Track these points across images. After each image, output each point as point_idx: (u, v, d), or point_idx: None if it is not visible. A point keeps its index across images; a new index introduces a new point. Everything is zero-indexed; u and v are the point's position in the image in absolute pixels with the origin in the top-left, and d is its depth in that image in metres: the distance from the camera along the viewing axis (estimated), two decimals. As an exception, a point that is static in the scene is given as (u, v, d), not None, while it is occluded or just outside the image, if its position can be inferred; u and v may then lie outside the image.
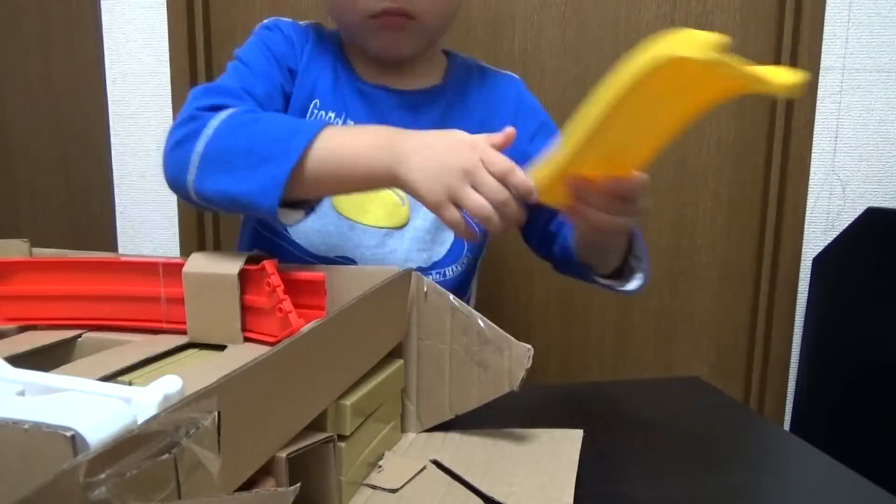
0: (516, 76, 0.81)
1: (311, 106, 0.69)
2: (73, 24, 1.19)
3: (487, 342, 0.50)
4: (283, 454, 0.34)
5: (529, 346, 0.49)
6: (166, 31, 1.17)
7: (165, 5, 1.16)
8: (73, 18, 1.19)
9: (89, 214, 1.24)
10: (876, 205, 1.26)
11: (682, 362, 1.34)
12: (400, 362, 0.52)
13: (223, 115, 0.54)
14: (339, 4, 0.65)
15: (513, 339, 0.50)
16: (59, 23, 1.19)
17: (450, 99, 0.72)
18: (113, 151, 1.21)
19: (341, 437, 0.41)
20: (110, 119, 1.20)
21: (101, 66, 1.18)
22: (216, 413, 0.26)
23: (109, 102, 1.19)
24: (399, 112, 0.70)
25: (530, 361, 0.49)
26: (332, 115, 0.69)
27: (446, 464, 0.47)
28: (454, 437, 0.52)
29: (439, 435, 0.53)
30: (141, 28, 1.17)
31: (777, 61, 1.25)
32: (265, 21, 0.71)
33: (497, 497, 0.42)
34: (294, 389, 0.35)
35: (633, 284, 0.65)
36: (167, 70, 1.18)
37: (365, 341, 0.46)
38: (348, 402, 0.42)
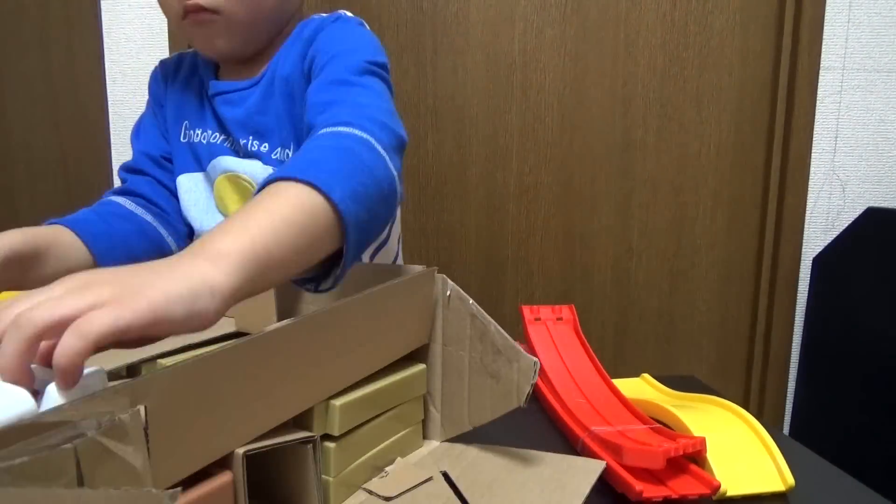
0: (341, 13, 0.72)
1: (183, 127, 0.74)
2: (73, 24, 1.19)
3: (499, 353, 0.49)
4: (242, 450, 0.33)
5: (536, 359, 0.48)
6: (166, 31, 1.17)
7: (165, 5, 1.16)
8: (73, 18, 1.19)
9: (89, 214, 1.24)
10: (876, 205, 1.26)
11: (682, 362, 1.34)
12: (421, 367, 0.51)
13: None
14: (163, 10, 0.66)
15: (521, 350, 0.49)
16: (59, 22, 1.19)
17: (270, 76, 0.70)
18: (113, 151, 1.21)
19: (332, 438, 0.41)
20: (110, 119, 1.20)
21: (101, 65, 1.18)
22: (142, 408, 0.26)
23: (109, 102, 1.20)
24: (230, 109, 0.71)
25: (536, 376, 0.48)
26: (198, 131, 0.73)
27: (454, 477, 0.46)
28: (471, 451, 0.51)
29: (459, 446, 0.52)
30: (141, 28, 1.17)
31: (777, 61, 1.25)
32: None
33: None
34: (262, 384, 0.34)
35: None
36: (167, 70, 1.18)
37: (373, 339, 0.44)
38: (338, 402, 0.41)
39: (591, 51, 1.24)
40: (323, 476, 0.41)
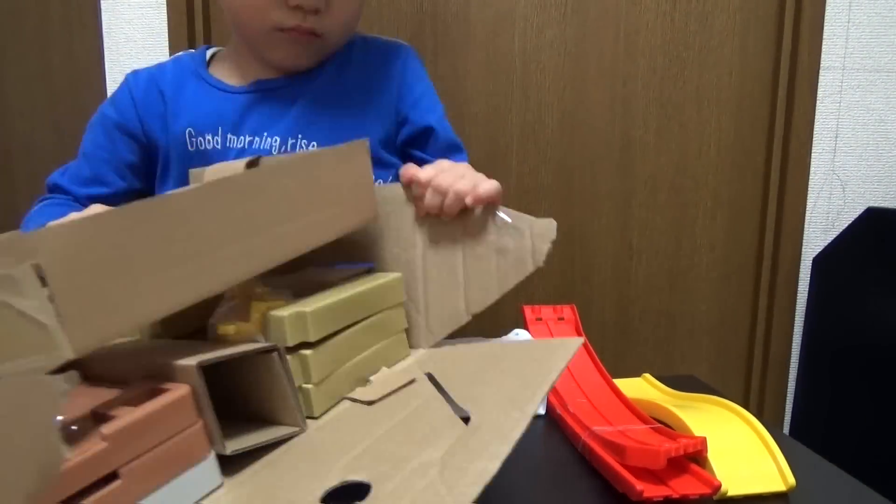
0: (405, 44, 0.79)
1: (187, 136, 0.69)
2: (73, 24, 1.19)
3: (507, 226, 0.48)
4: (195, 361, 0.32)
5: (552, 219, 0.47)
6: (166, 31, 1.17)
7: (165, 5, 1.16)
8: (73, 18, 1.19)
9: (89, 214, 1.24)
10: (876, 205, 1.26)
11: (682, 362, 1.34)
12: (396, 275, 0.50)
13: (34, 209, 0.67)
14: (246, 13, 0.64)
15: (533, 218, 0.47)
16: (59, 23, 1.19)
17: (327, 79, 0.71)
18: (113, 151, 1.21)
19: (309, 346, 0.40)
20: (110, 119, 1.20)
21: (101, 65, 1.18)
22: (32, 263, 0.26)
23: (109, 102, 1.19)
24: (274, 105, 0.70)
25: (555, 233, 0.46)
26: (209, 136, 0.69)
27: (438, 376, 0.45)
28: (454, 349, 0.49)
29: (444, 348, 0.50)
30: (141, 28, 1.17)
31: (777, 61, 1.25)
32: (111, 95, 0.74)
33: (464, 405, 0.40)
34: (179, 248, 0.33)
35: None
36: (167, 70, 1.18)
37: (305, 211, 0.42)
38: (309, 308, 0.40)
39: (591, 51, 1.24)
40: (304, 384, 0.41)
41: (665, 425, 0.57)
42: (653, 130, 1.27)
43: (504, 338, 0.69)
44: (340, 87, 0.72)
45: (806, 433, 1.27)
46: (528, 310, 0.77)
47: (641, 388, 0.73)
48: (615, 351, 1.33)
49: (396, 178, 0.66)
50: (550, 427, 0.64)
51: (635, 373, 0.78)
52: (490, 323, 1.37)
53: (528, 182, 1.27)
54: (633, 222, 1.30)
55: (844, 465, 0.55)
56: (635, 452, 0.48)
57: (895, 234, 1.11)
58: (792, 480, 0.49)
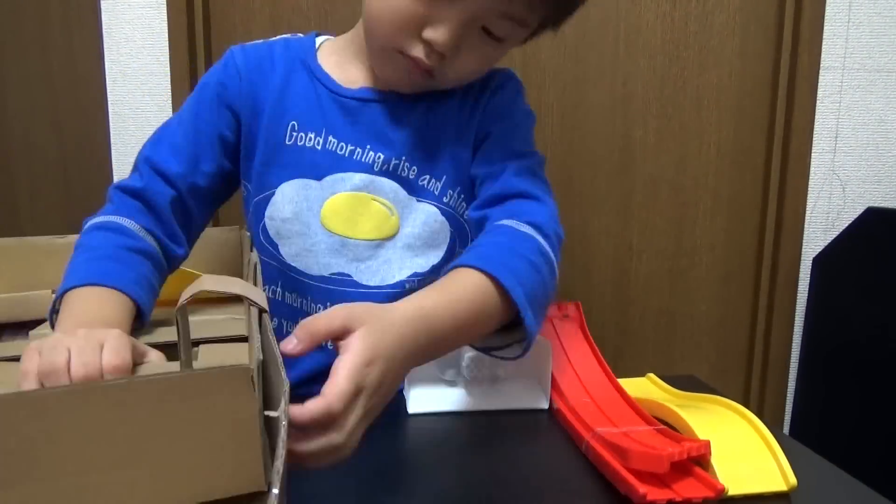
0: (510, 70, 0.76)
1: (289, 129, 0.67)
2: (72, 24, 1.19)
3: None
4: None
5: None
6: (166, 30, 1.17)
7: (165, 5, 1.16)
8: (73, 18, 1.19)
9: (89, 214, 1.23)
10: (876, 205, 1.26)
11: (682, 362, 1.34)
12: None
13: (87, 225, 0.61)
14: (380, 25, 0.61)
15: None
16: (59, 23, 1.19)
17: (434, 101, 0.69)
18: (113, 151, 1.20)
19: None
20: (110, 119, 1.20)
21: (101, 66, 1.18)
22: None
23: (109, 102, 1.19)
24: (381, 120, 0.68)
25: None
26: (312, 134, 0.67)
27: None
28: None
29: None
30: (141, 28, 1.17)
31: (777, 61, 1.25)
32: (213, 66, 0.70)
33: None
34: None
35: (511, 352, 0.58)
36: (167, 70, 1.17)
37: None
38: None
39: (591, 51, 1.24)
40: None
41: (669, 426, 0.57)
42: (653, 130, 1.27)
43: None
44: (444, 110, 0.69)
45: (806, 432, 1.28)
46: None
47: (646, 387, 0.73)
48: (615, 351, 1.33)
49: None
50: (554, 427, 0.64)
51: (635, 373, 0.78)
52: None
53: (528, 182, 1.26)
54: (633, 222, 1.30)
55: (844, 464, 0.55)
56: (639, 456, 0.48)
57: (895, 234, 1.11)
58: (793, 480, 0.49)
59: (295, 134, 0.67)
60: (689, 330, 1.34)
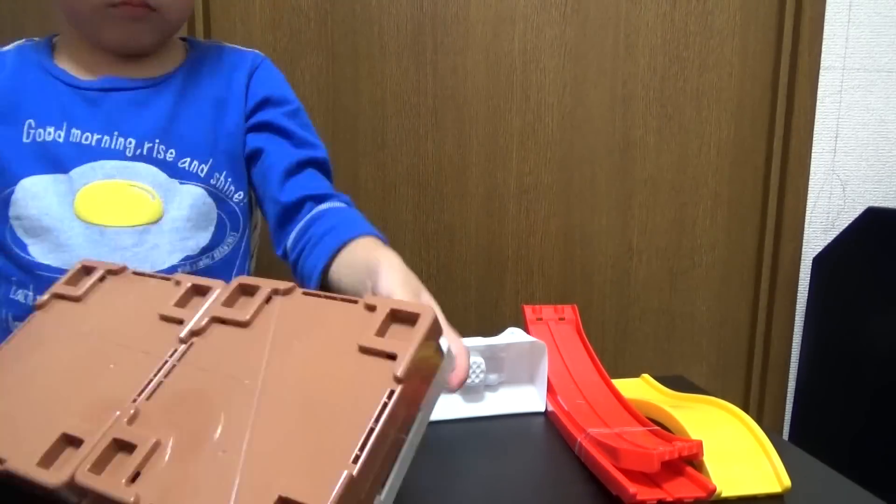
0: (260, 53, 0.77)
1: (26, 127, 0.65)
2: (73, 25, 1.19)
3: None
4: None
5: None
6: (167, 31, 1.17)
7: (166, 6, 1.16)
8: (74, 19, 1.19)
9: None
10: (876, 205, 1.26)
11: (682, 362, 1.34)
12: None
13: None
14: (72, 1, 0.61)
15: None
16: (59, 23, 1.19)
17: (182, 84, 0.70)
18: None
19: None
20: (111, 119, 1.20)
21: (101, 66, 1.18)
22: None
23: (110, 102, 1.20)
24: (126, 109, 0.67)
25: None
26: (51, 129, 0.65)
27: None
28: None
29: None
30: (141, 28, 1.17)
31: (777, 61, 1.25)
32: None
33: None
34: None
35: None
36: (167, 70, 1.18)
37: None
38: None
39: (591, 51, 1.24)
40: None
41: (662, 427, 0.57)
42: (653, 130, 1.27)
43: (499, 336, 0.69)
44: (197, 88, 0.70)
45: (805, 432, 1.28)
46: (528, 309, 0.77)
47: (640, 388, 0.74)
48: (615, 351, 1.33)
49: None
50: (548, 428, 0.64)
51: (635, 373, 0.78)
52: (490, 323, 1.38)
53: (528, 182, 1.27)
54: (633, 222, 1.30)
55: (844, 464, 0.55)
56: (629, 455, 0.48)
57: (895, 234, 1.11)
58: (787, 482, 0.49)
59: (33, 131, 0.65)
60: (689, 330, 1.34)
